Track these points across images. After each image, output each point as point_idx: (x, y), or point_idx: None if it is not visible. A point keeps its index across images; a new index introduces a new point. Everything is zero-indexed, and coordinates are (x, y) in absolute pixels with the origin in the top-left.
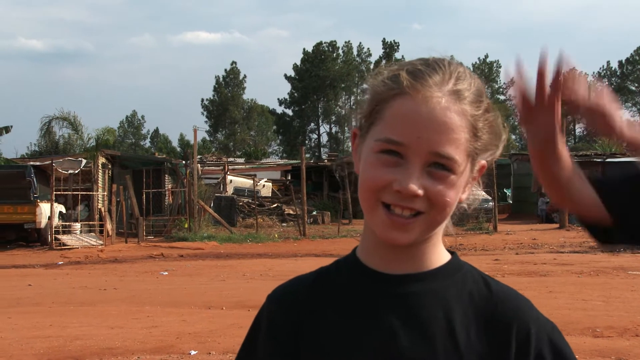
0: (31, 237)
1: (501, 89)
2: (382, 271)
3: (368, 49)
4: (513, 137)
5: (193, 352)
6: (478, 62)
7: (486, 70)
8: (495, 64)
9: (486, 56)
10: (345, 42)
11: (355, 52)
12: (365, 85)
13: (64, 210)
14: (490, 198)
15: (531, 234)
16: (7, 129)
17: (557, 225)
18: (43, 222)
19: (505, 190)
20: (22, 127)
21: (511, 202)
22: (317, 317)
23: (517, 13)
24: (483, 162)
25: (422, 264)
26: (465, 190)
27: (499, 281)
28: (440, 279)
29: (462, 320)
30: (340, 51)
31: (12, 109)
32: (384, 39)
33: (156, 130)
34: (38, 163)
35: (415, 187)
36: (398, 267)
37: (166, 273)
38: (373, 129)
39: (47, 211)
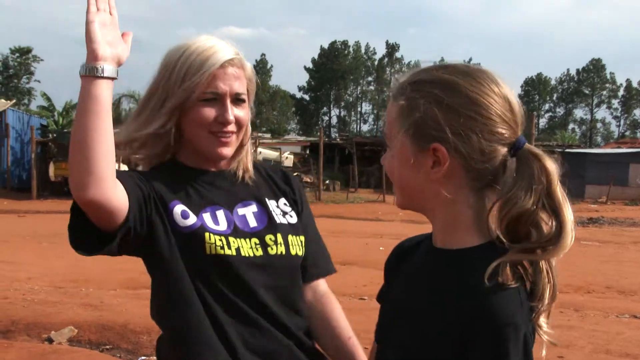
0: None
1: None
2: None
3: (374, 48)
4: None
5: None
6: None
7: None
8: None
9: (470, 59)
10: (355, 42)
11: (363, 50)
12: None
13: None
14: None
15: None
16: None
17: None
18: None
19: None
20: None
21: None
22: None
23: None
24: None
25: None
26: None
27: None
28: None
29: None
30: (350, 49)
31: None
32: (387, 40)
33: None
34: None
35: None
36: None
37: None
38: None
39: None
